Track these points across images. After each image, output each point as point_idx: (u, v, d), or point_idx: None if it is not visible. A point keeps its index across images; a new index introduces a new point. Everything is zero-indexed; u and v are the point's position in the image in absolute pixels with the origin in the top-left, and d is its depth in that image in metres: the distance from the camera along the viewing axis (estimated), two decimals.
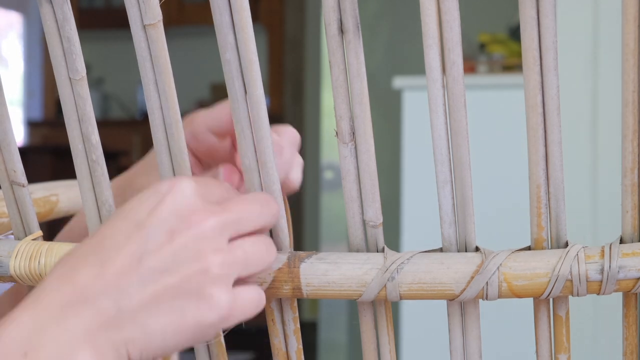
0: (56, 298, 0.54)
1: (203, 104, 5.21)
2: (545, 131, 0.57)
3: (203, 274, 0.54)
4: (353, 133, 0.59)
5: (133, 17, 0.58)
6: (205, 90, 5.30)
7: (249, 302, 0.57)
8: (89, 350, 0.52)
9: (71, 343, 0.52)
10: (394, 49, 3.92)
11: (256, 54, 0.58)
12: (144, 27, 0.59)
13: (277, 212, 0.60)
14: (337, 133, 0.59)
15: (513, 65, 2.89)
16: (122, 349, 0.53)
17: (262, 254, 0.58)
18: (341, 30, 0.56)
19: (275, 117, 4.95)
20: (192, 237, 0.55)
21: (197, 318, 0.54)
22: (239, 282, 0.57)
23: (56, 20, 0.60)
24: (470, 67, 2.90)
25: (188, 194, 0.56)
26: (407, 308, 2.62)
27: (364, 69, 0.57)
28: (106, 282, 0.54)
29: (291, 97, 5.07)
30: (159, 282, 0.54)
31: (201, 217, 0.55)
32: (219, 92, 5.15)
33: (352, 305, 3.46)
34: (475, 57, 2.99)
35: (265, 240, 0.58)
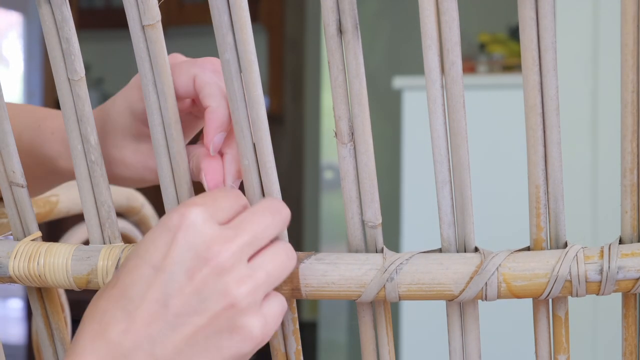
0: (89, 349, 0.54)
1: None
2: (544, 131, 0.57)
3: (231, 308, 0.55)
4: (352, 133, 0.59)
5: (132, 18, 0.58)
6: None
7: (277, 316, 0.57)
8: None
9: None
10: (394, 49, 3.92)
11: (255, 54, 0.58)
12: (143, 27, 0.59)
13: (288, 216, 0.59)
14: (336, 133, 0.59)
15: (513, 65, 2.89)
16: None
17: (283, 264, 0.58)
18: (340, 31, 0.56)
19: (275, 117, 4.94)
20: (213, 273, 0.55)
21: (234, 350, 0.55)
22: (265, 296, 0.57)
23: (55, 21, 0.60)
24: (470, 67, 2.90)
25: (199, 226, 0.56)
26: (407, 308, 2.62)
27: (362, 69, 0.57)
28: (137, 335, 0.54)
29: (291, 97, 5.06)
30: (189, 324, 0.54)
31: (217, 249, 0.55)
32: None
33: (352, 306, 3.46)
34: (475, 57, 2.99)
35: (284, 247, 0.58)
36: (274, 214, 0.58)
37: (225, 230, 0.56)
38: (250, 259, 0.57)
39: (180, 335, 0.54)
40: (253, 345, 0.55)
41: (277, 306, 0.57)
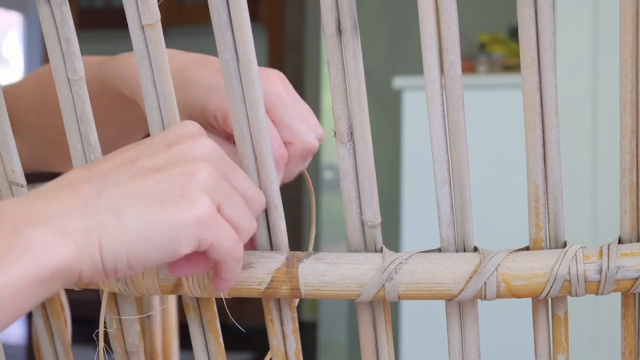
0: (48, 185, 0.54)
1: None
2: (543, 131, 0.57)
3: (190, 175, 0.54)
4: (351, 133, 0.59)
5: (131, 17, 0.58)
6: None
7: (228, 231, 0.55)
8: (47, 227, 0.50)
9: (35, 217, 0.51)
10: (394, 49, 3.92)
11: (254, 53, 0.58)
12: (142, 27, 0.59)
13: (263, 205, 0.59)
14: (335, 133, 0.59)
15: (513, 65, 2.89)
16: (93, 234, 0.51)
17: (246, 214, 0.57)
18: (339, 30, 0.56)
19: None
20: (189, 146, 0.55)
21: (175, 215, 0.53)
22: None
23: (55, 21, 0.60)
24: (470, 67, 2.90)
25: (205, 148, 0.56)
26: (407, 308, 2.62)
27: (362, 69, 0.57)
28: (94, 173, 0.54)
29: None
30: (146, 176, 0.54)
31: (204, 137, 0.56)
32: None
33: (352, 306, 3.46)
34: (475, 57, 2.99)
35: (249, 211, 0.57)
36: (259, 195, 0.59)
37: (219, 172, 0.56)
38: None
39: (134, 182, 0.53)
40: (193, 218, 0.53)
41: (239, 217, 0.56)
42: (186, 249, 0.53)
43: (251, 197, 0.58)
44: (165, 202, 0.53)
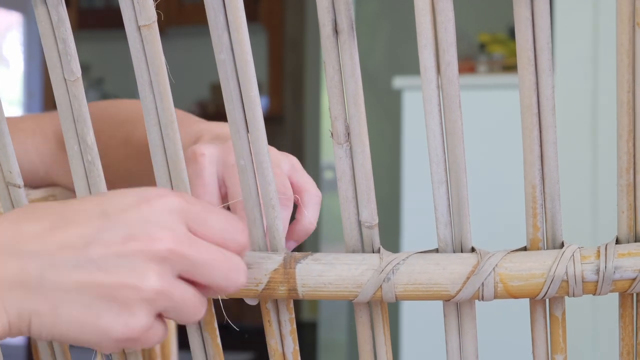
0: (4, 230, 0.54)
1: (203, 104, 5.21)
2: (540, 131, 0.57)
3: (135, 290, 0.53)
4: (348, 134, 0.59)
5: (128, 18, 0.58)
6: (205, 90, 5.30)
7: (156, 335, 0.55)
8: None
9: None
10: (394, 49, 3.92)
11: (251, 54, 0.58)
12: (139, 28, 0.59)
13: (241, 284, 0.57)
14: (332, 133, 0.59)
15: (513, 66, 2.89)
16: (25, 315, 0.52)
17: (195, 309, 0.56)
18: (336, 31, 0.56)
19: (275, 118, 4.94)
20: (143, 253, 0.54)
21: (108, 326, 0.53)
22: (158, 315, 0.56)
23: (51, 22, 0.60)
24: (470, 67, 2.90)
25: (168, 211, 0.55)
26: (407, 308, 2.62)
27: (358, 70, 0.57)
28: (45, 246, 0.53)
29: (291, 97, 5.06)
30: (91, 275, 0.53)
31: (163, 237, 0.54)
32: (219, 92, 5.15)
33: (352, 306, 3.46)
34: (475, 57, 2.99)
35: (202, 300, 0.57)
36: (232, 270, 0.57)
37: (185, 235, 0.55)
38: (179, 277, 0.55)
39: (77, 277, 0.53)
40: (124, 335, 0.53)
41: (161, 330, 0.56)
42: (108, 351, 0.55)
43: (222, 275, 0.56)
44: (103, 309, 0.53)
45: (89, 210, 0.55)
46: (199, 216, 0.56)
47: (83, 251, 0.53)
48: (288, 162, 0.72)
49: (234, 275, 0.57)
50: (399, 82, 2.68)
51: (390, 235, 2.88)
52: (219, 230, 0.57)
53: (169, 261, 0.54)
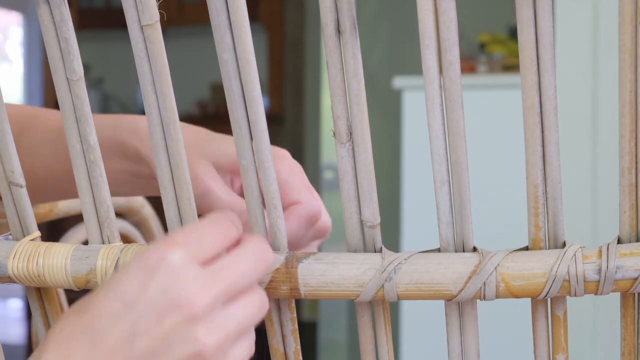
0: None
1: (203, 104, 5.20)
2: (542, 131, 0.57)
3: (198, 357, 0.54)
4: (350, 133, 0.59)
5: (130, 18, 0.58)
6: (205, 90, 5.30)
7: (242, 357, 0.56)
8: None
9: None
10: (394, 49, 3.92)
11: (253, 54, 0.58)
12: (142, 27, 0.59)
13: (271, 261, 0.59)
14: (334, 133, 0.59)
15: (513, 65, 2.89)
16: None
17: (255, 313, 0.57)
18: (338, 31, 0.56)
19: (275, 117, 4.94)
20: (184, 320, 0.54)
21: None
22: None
23: (54, 21, 0.60)
24: (470, 67, 2.90)
25: (177, 269, 0.54)
26: (408, 308, 2.62)
27: (361, 69, 0.57)
28: (93, 350, 0.53)
29: (291, 97, 5.06)
30: None
31: (192, 297, 0.54)
32: (219, 92, 5.15)
33: (352, 305, 3.45)
34: (475, 57, 2.99)
35: (259, 296, 0.57)
36: (258, 260, 0.57)
37: (204, 275, 0.55)
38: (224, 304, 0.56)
39: None
40: None
41: (244, 351, 0.56)
42: None
43: (253, 270, 0.57)
44: None
45: (111, 308, 0.54)
46: (200, 244, 0.56)
47: (130, 350, 0.53)
48: (288, 166, 0.72)
49: (265, 262, 0.58)
50: (399, 82, 2.68)
51: (390, 234, 2.88)
52: (219, 245, 0.57)
53: (206, 310, 0.54)
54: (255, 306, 0.57)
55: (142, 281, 0.54)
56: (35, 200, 0.75)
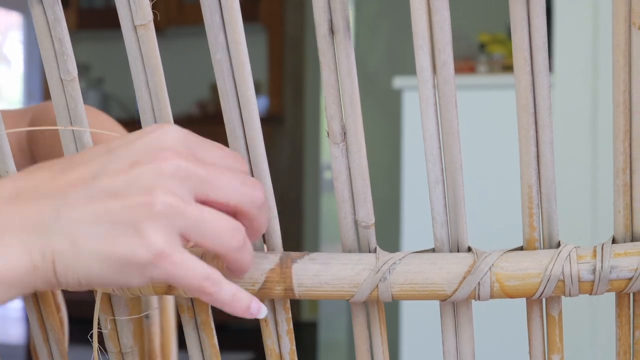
0: (8, 185, 0.54)
1: (203, 104, 5.20)
2: (536, 131, 0.57)
3: (146, 207, 0.52)
4: (344, 133, 0.59)
5: (124, 18, 0.58)
6: (205, 90, 5.30)
7: (192, 266, 0.53)
8: (11, 237, 0.52)
9: (5, 226, 0.52)
10: (394, 49, 3.92)
11: (247, 54, 0.58)
12: (135, 27, 0.59)
13: (258, 199, 0.56)
14: (328, 133, 0.59)
15: (513, 66, 2.88)
16: (49, 255, 0.52)
17: (221, 229, 0.54)
18: (331, 31, 0.56)
19: (275, 117, 4.94)
20: (150, 170, 0.53)
21: (126, 251, 0.52)
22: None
23: (47, 21, 0.60)
24: (470, 67, 2.90)
25: (170, 135, 0.55)
26: (407, 308, 2.62)
27: (354, 69, 0.57)
28: (56, 186, 0.53)
29: (291, 97, 5.06)
30: (103, 202, 0.52)
31: (169, 155, 0.53)
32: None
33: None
34: (475, 57, 2.99)
35: (232, 224, 0.55)
36: (246, 185, 0.56)
37: (191, 156, 0.54)
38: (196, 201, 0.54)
39: (90, 207, 0.52)
40: (145, 258, 0.52)
41: (198, 262, 0.53)
42: (137, 284, 0.53)
43: (235, 189, 0.55)
44: (118, 235, 0.52)
45: (95, 151, 0.55)
46: (199, 142, 0.56)
47: (92, 183, 0.53)
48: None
49: (252, 192, 0.56)
50: (399, 82, 2.68)
51: (389, 235, 2.88)
52: (220, 156, 0.56)
53: (177, 177, 0.53)
54: (224, 225, 0.54)
55: (133, 137, 0.55)
56: None
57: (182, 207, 0.53)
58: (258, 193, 0.56)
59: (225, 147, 0.58)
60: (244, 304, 0.56)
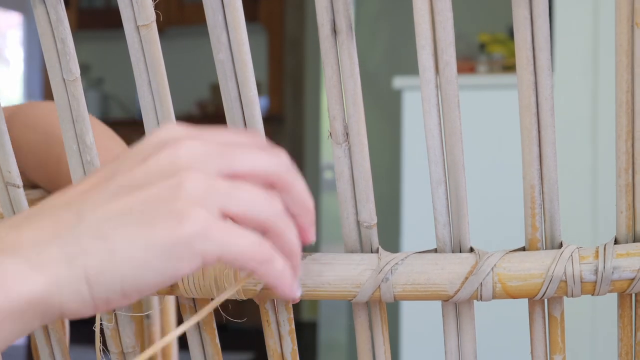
0: (13, 218, 0.49)
1: (203, 104, 5.20)
2: (539, 131, 0.57)
3: (176, 188, 0.47)
4: (347, 134, 0.59)
5: (126, 18, 0.58)
6: (205, 90, 5.30)
7: (242, 233, 0.48)
8: (20, 258, 0.45)
9: (8, 247, 0.46)
10: (394, 49, 3.92)
11: (249, 54, 0.58)
12: (138, 27, 0.59)
13: (285, 163, 0.51)
14: (330, 134, 0.59)
15: (513, 65, 2.88)
16: (77, 262, 0.46)
17: (257, 196, 0.49)
18: (334, 31, 0.56)
19: (275, 117, 4.94)
20: (166, 157, 0.49)
21: (168, 232, 0.46)
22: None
23: (50, 21, 0.60)
24: (470, 67, 2.90)
25: (174, 129, 0.50)
26: (407, 308, 2.62)
27: (357, 70, 0.57)
28: (69, 197, 0.49)
29: (291, 97, 5.06)
30: (127, 196, 0.48)
31: (180, 142, 0.49)
32: (219, 92, 5.14)
33: (352, 306, 3.45)
34: (475, 57, 2.99)
35: (266, 193, 0.50)
36: (271, 155, 0.51)
37: (202, 139, 0.50)
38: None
39: (116, 204, 0.47)
40: (189, 233, 0.47)
41: (246, 233, 0.48)
42: (188, 268, 0.47)
43: (262, 159, 0.50)
44: (155, 220, 0.47)
45: (102, 166, 0.52)
46: (206, 130, 0.51)
47: (110, 183, 0.48)
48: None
49: (280, 160, 0.51)
50: (399, 82, 2.68)
51: (390, 235, 2.88)
52: (232, 136, 0.52)
53: (196, 157, 0.49)
54: (261, 197, 0.49)
55: (139, 142, 0.51)
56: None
57: (211, 181, 0.48)
58: (283, 157, 0.51)
59: (262, 155, 0.52)
60: (290, 280, 0.51)
